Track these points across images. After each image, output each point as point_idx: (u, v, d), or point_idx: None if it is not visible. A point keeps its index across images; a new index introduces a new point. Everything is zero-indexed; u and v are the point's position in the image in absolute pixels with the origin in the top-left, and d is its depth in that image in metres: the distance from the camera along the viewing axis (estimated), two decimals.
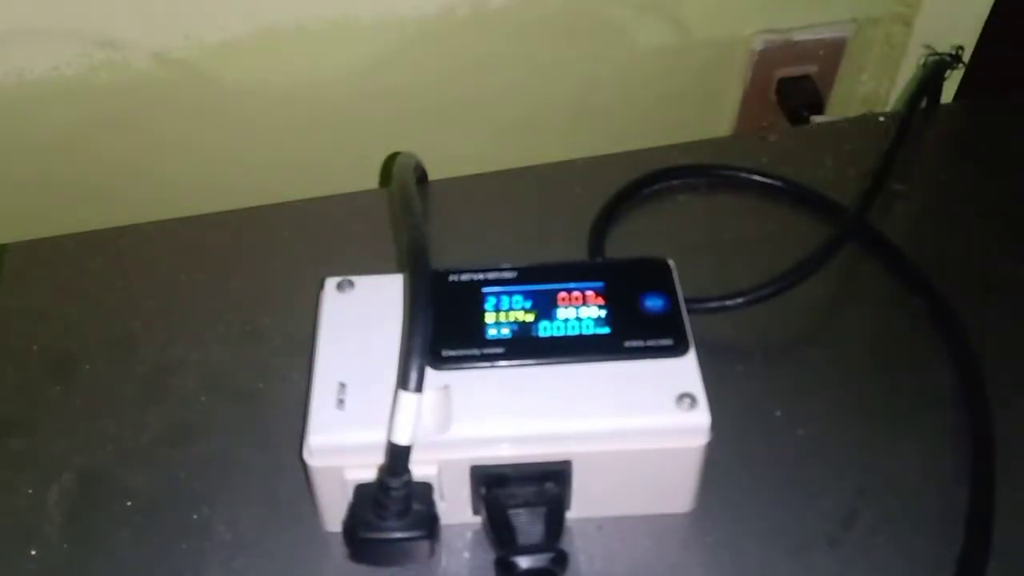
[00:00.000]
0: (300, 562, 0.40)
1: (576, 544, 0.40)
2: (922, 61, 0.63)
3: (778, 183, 0.55)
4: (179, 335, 0.48)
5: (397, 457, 0.34)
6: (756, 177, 0.56)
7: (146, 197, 0.59)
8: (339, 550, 0.40)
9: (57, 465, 0.43)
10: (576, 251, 0.52)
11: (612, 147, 0.58)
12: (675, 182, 0.56)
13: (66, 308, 0.50)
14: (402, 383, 0.34)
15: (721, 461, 0.40)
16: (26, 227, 0.53)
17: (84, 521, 0.41)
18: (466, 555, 0.40)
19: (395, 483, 0.35)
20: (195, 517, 0.41)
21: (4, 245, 0.52)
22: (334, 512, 0.40)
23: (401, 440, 0.34)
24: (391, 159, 0.50)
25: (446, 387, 0.38)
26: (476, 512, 0.40)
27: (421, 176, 0.55)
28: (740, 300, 0.47)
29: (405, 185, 0.41)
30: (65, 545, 0.40)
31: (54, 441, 0.44)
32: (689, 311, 0.41)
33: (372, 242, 0.52)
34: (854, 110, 0.73)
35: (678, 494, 0.41)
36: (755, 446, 0.44)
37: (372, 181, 0.64)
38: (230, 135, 0.62)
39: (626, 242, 0.52)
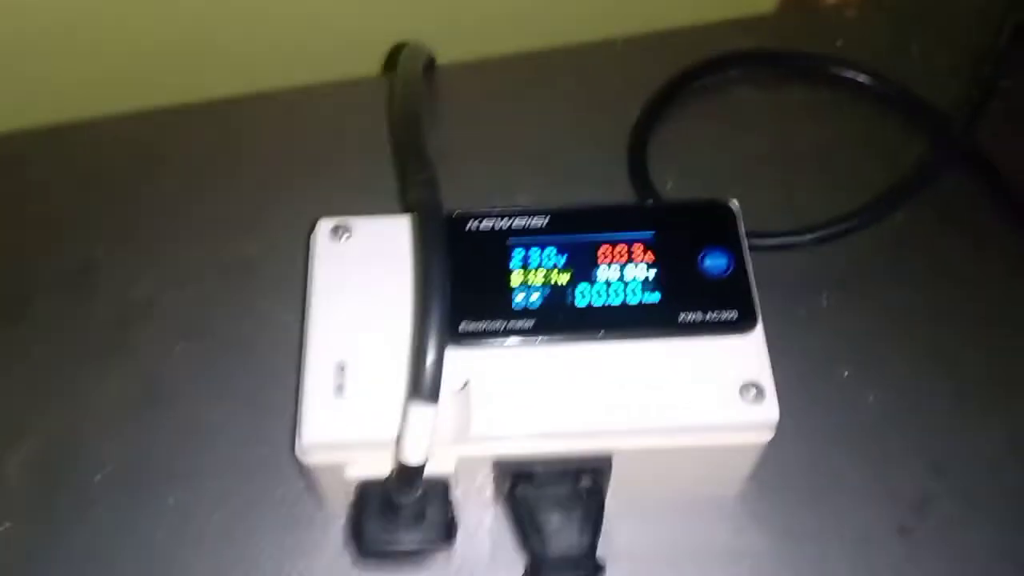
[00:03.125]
0: (293, 548, 0.35)
1: (611, 524, 0.35)
2: None
3: (862, 79, 0.47)
4: (147, 267, 0.41)
5: (408, 476, 0.29)
6: (835, 70, 0.47)
7: (100, 81, 0.49)
8: (337, 534, 0.35)
9: (15, 429, 0.37)
10: (614, 161, 0.44)
11: (657, 22, 0.49)
12: (734, 72, 0.47)
13: (11, 228, 0.42)
14: (414, 391, 0.27)
15: (776, 430, 0.34)
16: None
17: (49, 497, 0.36)
18: (484, 541, 0.35)
19: (406, 500, 0.29)
20: (171, 501, 0.36)
21: None
22: (334, 502, 0.34)
23: (413, 460, 0.28)
24: (397, 50, 0.42)
25: (466, 384, 0.31)
26: (498, 503, 0.35)
27: (429, 63, 0.46)
28: (808, 237, 0.40)
29: (412, 114, 0.33)
30: (32, 526, 0.35)
31: (9, 399, 0.38)
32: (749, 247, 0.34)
33: (373, 145, 0.44)
34: None
35: (730, 482, 0.35)
36: (816, 413, 0.38)
37: (372, 66, 0.54)
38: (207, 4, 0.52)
39: (671, 152, 0.45)
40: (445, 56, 0.47)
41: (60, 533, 0.35)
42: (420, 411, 0.27)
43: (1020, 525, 0.35)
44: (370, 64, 0.51)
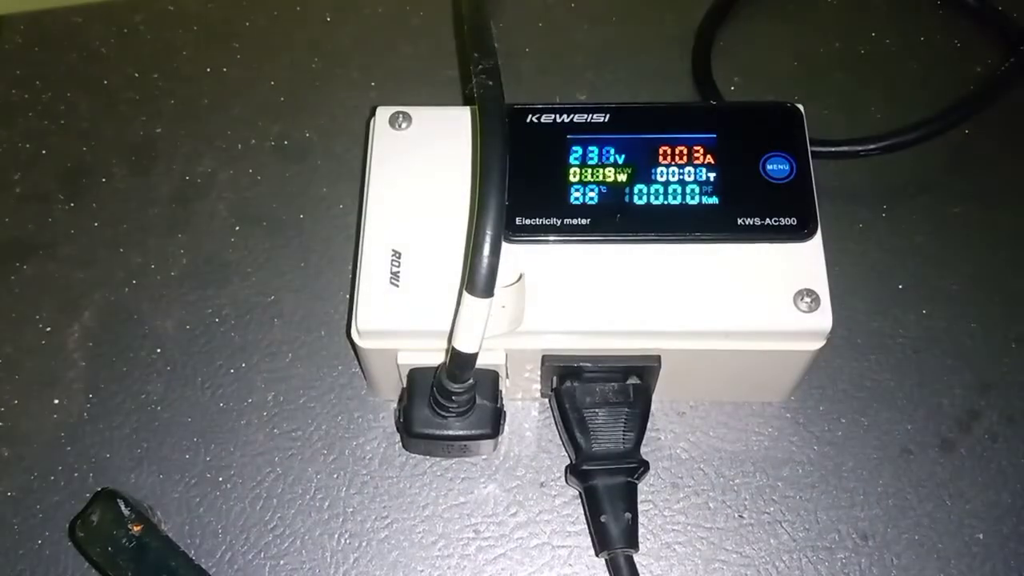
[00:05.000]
0: (345, 427, 0.36)
1: (655, 422, 0.36)
2: None
3: None
4: (206, 145, 0.41)
5: (461, 365, 0.29)
6: None
7: None
8: (387, 419, 0.36)
9: (76, 299, 0.38)
10: (678, 60, 0.43)
11: None
12: None
13: (76, 102, 0.43)
14: (469, 285, 0.27)
15: (827, 340, 0.34)
16: None
17: (108, 368, 0.37)
18: (529, 435, 0.36)
19: (458, 388, 0.30)
20: (232, 371, 0.37)
21: (0, 17, 0.44)
22: (385, 387, 0.35)
23: (466, 349, 0.28)
24: None
25: (520, 277, 0.32)
26: (545, 396, 0.35)
27: None
28: (872, 147, 0.39)
29: (479, 2, 0.32)
30: (90, 396, 0.37)
31: (71, 270, 0.39)
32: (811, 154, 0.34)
33: (436, 31, 0.44)
34: None
35: (777, 388, 0.35)
36: (868, 325, 0.38)
37: None
38: None
39: (737, 52, 0.43)
40: None
41: (118, 406, 0.36)
42: (475, 303, 0.28)
43: None
44: None
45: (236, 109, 0.42)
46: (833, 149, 0.39)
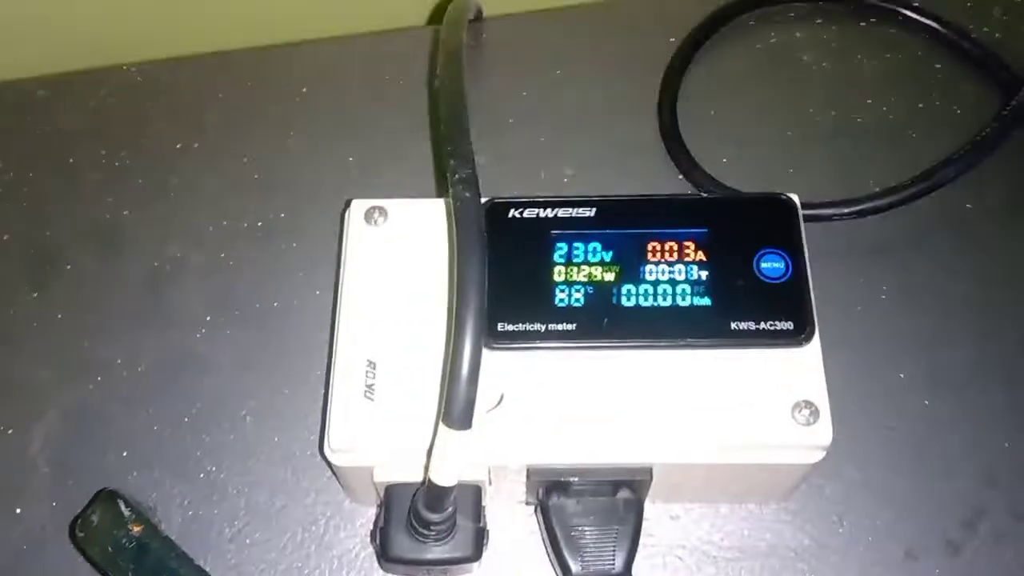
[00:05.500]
0: (323, 534, 0.34)
1: (651, 530, 0.34)
2: None
3: (931, 23, 0.43)
4: (177, 229, 0.40)
5: (438, 496, 0.27)
6: (905, 12, 0.43)
7: (131, 29, 0.46)
8: (367, 525, 0.34)
9: (39, 399, 0.36)
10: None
11: None
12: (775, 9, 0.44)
13: (39, 182, 0.41)
14: (446, 417, 0.26)
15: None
16: None
17: (73, 474, 0.35)
18: (515, 544, 0.34)
19: (436, 518, 0.28)
20: (202, 476, 0.35)
21: None
22: (363, 498, 0.34)
23: (444, 482, 0.27)
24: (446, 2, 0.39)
25: (501, 399, 0.30)
26: (530, 504, 0.33)
27: (477, 14, 0.43)
28: (846, 211, 0.38)
29: (455, 98, 0.30)
30: (54, 503, 0.35)
31: (34, 367, 0.37)
32: None
33: (412, 106, 0.42)
34: None
35: (774, 493, 0.34)
36: (869, 417, 0.36)
37: (417, 16, 0.49)
38: None
39: (704, 115, 0.42)
40: (491, 7, 0.44)
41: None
42: (452, 436, 0.26)
43: None
44: (416, 13, 0.48)
45: (207, 188, 0.41)
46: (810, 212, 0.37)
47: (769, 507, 0.34)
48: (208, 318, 0.38)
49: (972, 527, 0.34)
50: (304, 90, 0.43)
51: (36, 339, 0.38)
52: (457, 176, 0.28)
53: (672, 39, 0.43)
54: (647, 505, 0.33)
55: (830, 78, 0.43)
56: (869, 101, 0.42)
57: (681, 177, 0.40)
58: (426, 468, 0.28)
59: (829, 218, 0.38)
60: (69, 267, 0.39)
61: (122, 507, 0.32)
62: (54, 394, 0.36)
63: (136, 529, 0.32)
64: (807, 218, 0.33)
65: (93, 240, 0.40)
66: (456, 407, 0.26)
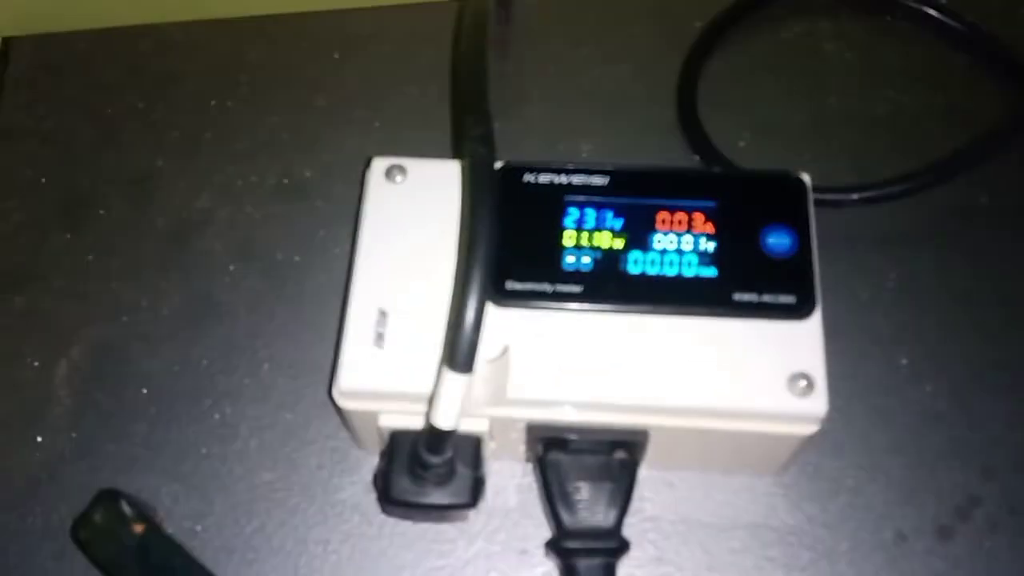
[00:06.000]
0: (329, 478, 0.35)
1: (644, 494, 0.35)
2: None
3: (957, 26, 0.43)
4: (206, 181, 0.41)
5: (438, 439, 0.28)
6: (933, 12, 0.44)
7: None
8: (371, 472, 0.35)
9: (66, 335, 0.38)
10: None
11: None
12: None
13: (77, 130, 0.42)
14: (448, 360, 0.27)
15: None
16: (30, 18, 0.44)
17: (94, 406, 0.37)
18: (512, 498, 0.35)
19: (436, 460, 0.29)
20: (217, 417, 0.36)
21: (6, 39, 0.44)
22: (369, 443, 0.35)
23: (444, 424, 0.28)
24: None
25: (504, 351, 0.31)
26: (529, 461, 0.34)
27: None
28: (855, 196, 0.38)
29: (476, 57, 0.31)
30: (72, 434, 0.36)
31: (62, 304, 0.39)
32: None
33: (439, 76, 0.43)
34: None
35: (769, 465, 0.34)
36: (868, 401, 0.36)
37: None
38: None
39: (724, 99, 0.42)
40: None
41: (100, 447, 0.36)
42: (453, 379, 0.27)
43: None
44: None
45: (238, 143, 0.42)
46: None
47: (763, 480, 0.35)
48: (231, 267, 0.39)
49: (966, 515, 0.35)
50: (336, 55, 0.44)
51: (66, 278, 0.39)
52: (472, 133, 0.29)
53: (698, 23, 0.44)
54: (644, 472, 0.34)
55: (849, 69, 0.43)
56: (888, 93, 0.42)
57: (697, 159, 0.41)
58: (427, 416, 0.29)
59: (838, 203, 0.38)
60: (102, 212, 0.40)
61: (124, 507, 0.32)
62: (80, 331, 0.38)
63: (138, 528, 0.32)
64: (817, 202, 0.34)
65: (127, 188, 0.41)
66: (459, 351, 0.27)
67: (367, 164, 0.34)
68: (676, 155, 0.41)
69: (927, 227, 0.40)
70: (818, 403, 0.30)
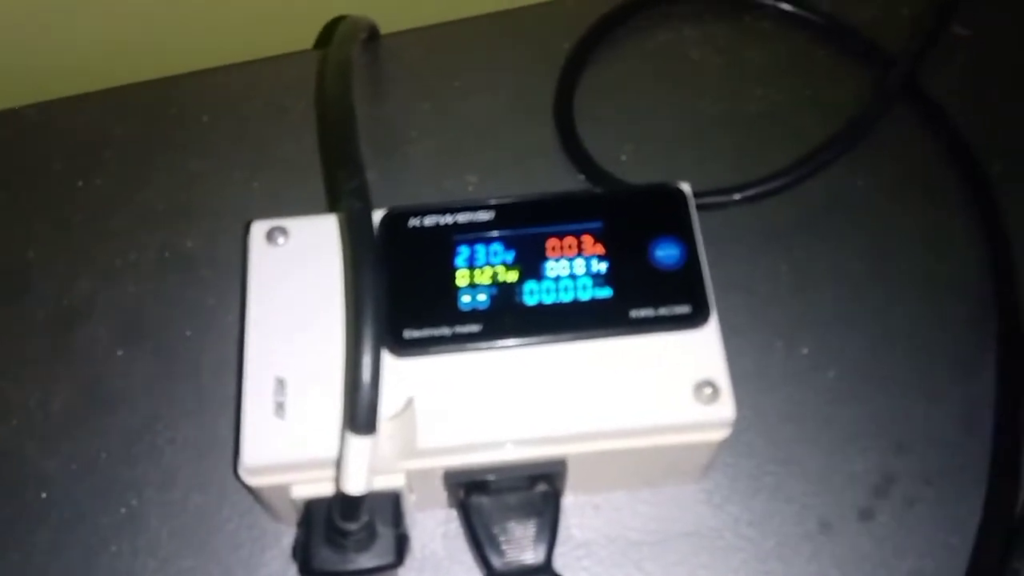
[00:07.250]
0: (249, 557, 0.34)
1: (572, 520, 0.35)
2: None
3: (815, 18, 0.45)
4: (83, 266, 0.39)
5: (351, 504, 0.28)
6: (789, 7, 0.45)
7: (26, 68, 0.46)
8: (288, 546, 0.34)
9: None
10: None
11: None
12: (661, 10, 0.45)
13: None
14: (350, 422, 0.26)
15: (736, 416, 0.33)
16: None
17: None
18: (440, 552, 0.34)
19: (352, 526, 0.29)
20: (123, 511, 0.35)
21: None
22: (284, 516, 0.34)
23: (353, 490, 0.27)
24: (334, 23, 0.39)
25: (409, 403, 0.30)
26: (452, 507, 0.34)
27: (372, 34, 0.43)
28: (737, 196, 0.39)
29: (342, 110, 0.30)
30: None
31: None
32: None
33: (313, 127, 0.42)
34: None
35: (688, 474, 0.35)
36: (775, 394, 0.37)
37: (308, 39, 0.49)
38: None
39: (601, 115, 0.43)
40: (388, 26, 0.44)
41: (6, 554, 0.34)
42: (357, 442, 0.26)
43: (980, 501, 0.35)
44: (306, 36, 0.48)
45: (111, 221, 0.40)
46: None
47: (686, 488, 0.35)
48: (120, 352, 0.38)
49: (883, 493, 0.35)
50: (204, 118, 0.43)
51: None
52: (346, 187, 0.28)
53: (566, 44, 0.44)
54: (569, 498, 0.34)
55: (719, 72, 0.44)
56: (758, 92, 0.43)
57: (582, 177, 0.41)
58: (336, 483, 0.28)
59: (722, 205, 0.39)
60: None
61: None
62: None
63: None
64: (701, 207, 0.35)
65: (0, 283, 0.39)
66: (359, 412, 0.26)
67: (246, 229, 0.34)
68: (563, 175, 0.41)
69: (811, 216, 0.41)
70: (725, 408, 0.31)
